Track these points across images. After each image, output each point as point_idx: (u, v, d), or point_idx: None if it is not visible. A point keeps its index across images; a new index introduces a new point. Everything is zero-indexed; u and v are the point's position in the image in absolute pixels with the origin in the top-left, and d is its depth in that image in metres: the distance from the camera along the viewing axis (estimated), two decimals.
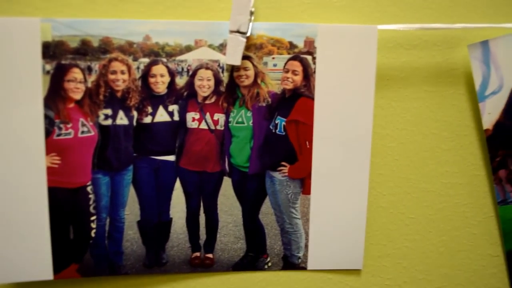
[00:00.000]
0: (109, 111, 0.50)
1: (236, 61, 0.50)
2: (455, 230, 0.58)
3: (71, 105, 0.50)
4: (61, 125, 0.49)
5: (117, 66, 0.49)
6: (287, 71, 0.52)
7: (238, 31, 0.49)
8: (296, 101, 0.52)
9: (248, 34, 0.50)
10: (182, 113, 0.52)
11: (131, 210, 0.53)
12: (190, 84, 0.52)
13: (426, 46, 0.56)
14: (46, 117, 0.49)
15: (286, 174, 0.54)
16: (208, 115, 0.52)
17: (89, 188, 0.51)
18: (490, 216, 0.58)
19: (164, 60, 0.50)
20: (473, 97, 0.55)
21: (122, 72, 0.49)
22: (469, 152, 0.57)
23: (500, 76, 0.56)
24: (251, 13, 0.51)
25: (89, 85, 0.50)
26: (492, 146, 0.57)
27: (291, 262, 0.56)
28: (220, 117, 0.52)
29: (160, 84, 0.51)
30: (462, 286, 0.59)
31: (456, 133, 0.57)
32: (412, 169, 0.56)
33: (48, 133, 0.49)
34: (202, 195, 0.54)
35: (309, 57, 0.52)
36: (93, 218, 0.52)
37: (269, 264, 0.56)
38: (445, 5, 0.55)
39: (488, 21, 0.56)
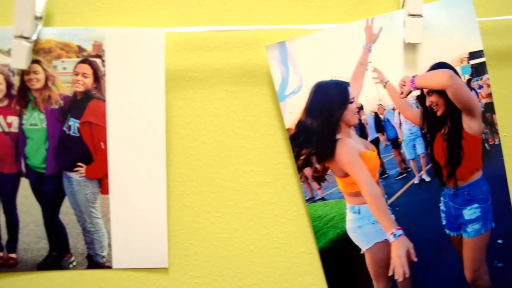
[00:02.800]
0: None
1: (22, 65, 0.64)
2: (265, 228, 0.73)
3: None
4: None
5: None
6: (77, 74, 0.67)
7: (21, 36, 0.64)
8: (88, 103, 0.67)
9: (34, 39, 0.65)
10: None
11: None
12: None
13: (226, 48, 0.71)
14: None
15: (83, 174, 0.69)
16: (1, 118, 0.67)
17: None
18: (300, 214, 0.73)
19: None
20: (276, 97, 0.70)
21: None
22: (275, 151, 0.72)
23: (299, 76, 0.71)
24: (38, 18, 0.65)
25: None
26: (296, 145, 0.72)
27: (96, 261, 0.71)
28: (13, 119, 0.67)
29: None
30: (276, 284, 0.75)
31: (260, 133, 0.72)
32: (216, 169, 0.71)
33: None
34: (0, 195, 0.68)
35: (98, 60, 0.67)
36: None
37: (74, 263, 0.71)
38: (246, 7, 0.70)
39: (286, 22, 0.70)
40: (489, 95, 0.78)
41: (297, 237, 0.74)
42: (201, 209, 0.72)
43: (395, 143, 0.76)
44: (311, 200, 0.73)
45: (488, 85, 0.77)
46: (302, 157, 0.72)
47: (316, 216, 0.74)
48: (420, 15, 0.72)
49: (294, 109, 0.71)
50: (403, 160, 0.76)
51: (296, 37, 0.70)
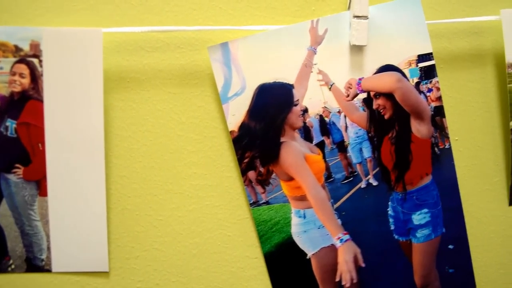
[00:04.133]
0: None
1: None
2: (208, 232, 0.73)
3: None
4: None
5: None
6: (14, 74, 0.66)
7: None
8: (25, 103, 0.67)
9: None
10: None
11: None
12: None
13: (169, 49, 0.71)
14: None
15: (21, 176, 0.68)
16: None
17: None
18: (245, 217, 0.73)
19: None
20: (219, 99, 0.69)
21: None
22: (218, 153, 0.72)
23: (242, 78, 0.71)
24: None
25: None
26: (239, 148, 0.72)
27: (35, 264, 0.71)
28: None
29: None
30: None
31: (203, 135, 0.71)
32: (158, 171, 0.71)
33: None
34: None
35: (35, 60, 0.66)
36: None
37: (12, 266, 0.71)
38: (189, 7, 0.70)
39: (230, 23, 0.70)
40: (439, 98, 0.78)
41: (241, 241, 0.74)
42: (142, 212, 0.72)
43: (341, 147, 0.76)
44: (255, 204, 0.73)
45: (438, 89, 0.77)
46: (246, 160, 0.72)
47: (260, 220, 0.74)
48: (365, 17, 0.72)
49: (237, 111, 0.71)
50: (350, 164, 0.76)
51: (239, 38, 0.70)
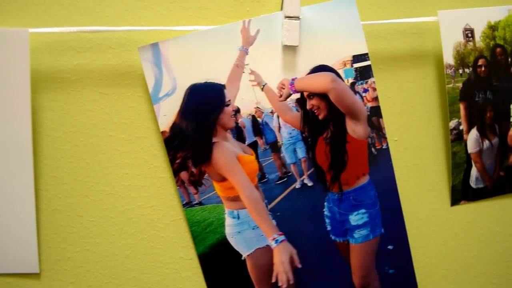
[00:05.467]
0: None
1: None
2: (141, 233, 0.73)
3: None
4: None
5: None
6: None
7: None
8: None
9: None
10: None
11: None
12: None
13: (100, 49, 0.71)
14: None
15: None
16: None
17: None
18: (178, 218, 0.74)
19: None
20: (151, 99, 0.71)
21: None
22: (151, 154, 0.73)
23: (172, 78, 0.72)
24: None
25: None
26: (171, 148, 0.72)
27: None
28: None
29: None
30: None
31: (135, 135, 0.72)
32: (89, 172, 0.72)
33: None
34: None
35: None
36: None
37: None
38: (121, 8, 0.71)
39: (163, 23, 0.71)
40: (375, 99, 0.79)
41: (175, 242, 0.75)
42: (73, 213, 0.73)
43: (274, 147, 0.76)
44: (188, 204, 0.74)
45: (374, 89, 0.78)
46: (178, 161, 0.73)
47: (194, 221, 0.74)
48: (297, 18, 0.73)
49: (168, 112, 0.72)
50: (283, 164, 0.77)
51: (169, 39, 0.71)
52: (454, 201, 0.88)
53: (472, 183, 0.88)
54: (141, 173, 0.75)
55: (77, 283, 0.76)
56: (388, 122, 0.82)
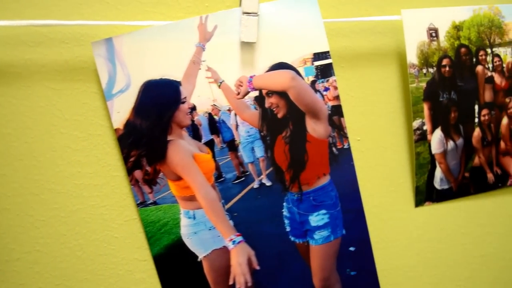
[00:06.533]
0: None
1: None
2: (93, 233, 0.72)
3: None
4: None
5: None
6: None
7: None
8: None
9: None
10: None
11: None
12: None
13: (53, 44, 0.70)
14: None
15: None
16: None
17: None
18: (133, 218, 0.72)
19: None
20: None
21: None
22: (104, 152, 0.71)
23: (127, 74, 0.70)
24: None
25: None
26: (125, 146, 0.71)
27: None
28: None
29: None
30: None
31: (89, 133, 0.71)
32: (39, 170, 0.70)
33: None
34: None
35: None
36: None
37: None
38: (75, 2, 0.70)
39: (118, 18, 0.69)
40: (337, 97, 0.78)
41: (129, 243, 0.74)
42: (23, 213, 0.71)
43: (232, 146, 0.75)
44: (142, 204, 0.72)
45: (335, 88, 0.77)
46: (132, 159, 0.72)
47: (149, 221, 0.73)
48: (255, 14, 0.72)
49: (122, 109, 0.71)
50: (241, 164, 0.76)
51: (124, 34, 0.69)
52: (418, 202, 0.87)
53: (437, 184, 0.87)
54: (94, 171, 0.74)
55: (27, 285, 0.74)
56: (350, 121, 0.81)
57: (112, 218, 0.75)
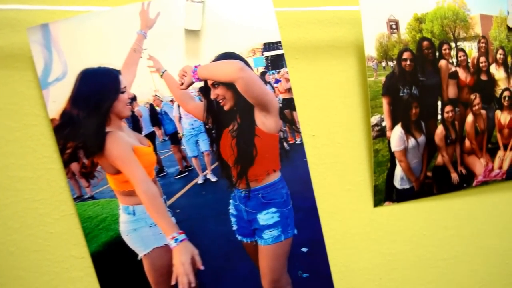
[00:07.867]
0: None
1: None
2: (28, 229, 0.69)
3: None
4: None
5: None
6: None
7: None
8: None
9: None
10: None
11: None
12: None
13: None
14: None
15: None
16: None
17: None
18: (69, 213, 0.69)
19: None
20: None
21: None
22: (40, 143, 0.68)
23: (63, 62, 0.68)
24: None
25: None
26: (61, 137, 0.68)
27: None
28: None
29: None
30: None
31: (23, 123, 0.68)
32: None
33: None
34: None
35: None
36: None
37: None
38: None
39: (54, 3, 0.66)
40: (289, 90, 0.75)
41: (66, 239, 0.71)
42: None
43: (174, 139, 0.72)
44: (79, 198, 0.70)
45: (287, 80, 0.74)
46: (68, 151, 0.69)
47: (86, 217, 0.70)
48: (200, 1, 0.68)
49: (58, 98, 0.68)
50: (184, 158, 0.73)
51: (61, 20, 0.66)
52: (377, 202, 0.84)
53: (397, 183, 0.84)
54: (28, 163, 0.71)
55: None
56: (304, 116, 0.78)
57: (47, 212, 0.72)
